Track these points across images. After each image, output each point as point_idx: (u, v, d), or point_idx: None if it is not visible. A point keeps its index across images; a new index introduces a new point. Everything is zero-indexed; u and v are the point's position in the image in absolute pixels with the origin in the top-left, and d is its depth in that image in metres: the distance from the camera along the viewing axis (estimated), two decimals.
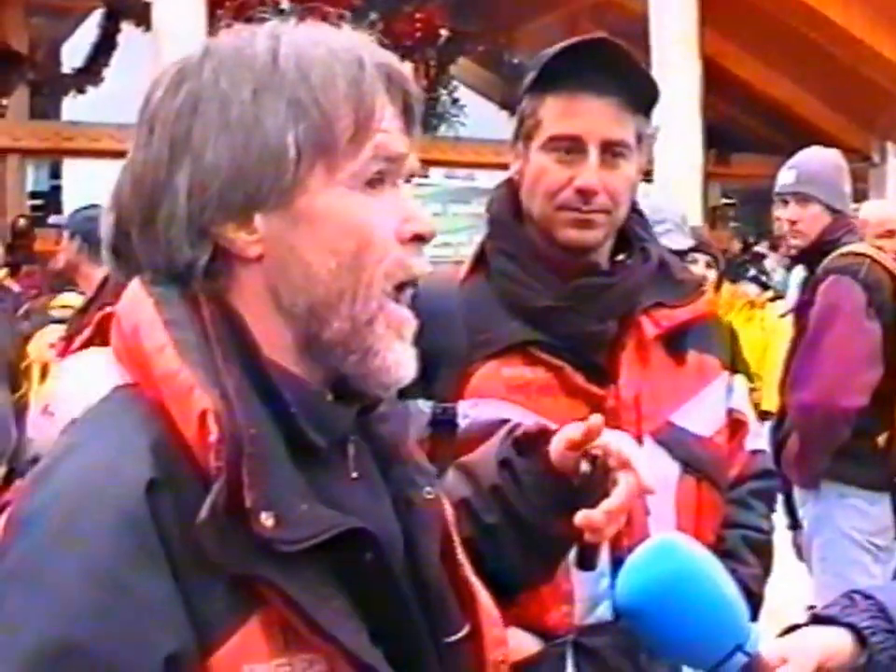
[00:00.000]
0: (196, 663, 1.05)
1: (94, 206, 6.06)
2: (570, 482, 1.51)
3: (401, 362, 1.23)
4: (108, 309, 1.28)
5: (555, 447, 1.52)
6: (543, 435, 1.56)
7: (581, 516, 1.43)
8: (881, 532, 4.13)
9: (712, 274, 5.47)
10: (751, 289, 10.91)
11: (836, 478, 4.12)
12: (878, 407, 3.97)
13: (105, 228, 1.24)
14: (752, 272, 11.70)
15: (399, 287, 1.22)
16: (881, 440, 4.03)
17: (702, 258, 5.41)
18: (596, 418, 1.47)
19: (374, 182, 1.20)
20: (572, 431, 1.49)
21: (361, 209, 1.19)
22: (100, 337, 1.30)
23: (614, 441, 1.48)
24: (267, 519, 1.07)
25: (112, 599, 1.03)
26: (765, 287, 10.90)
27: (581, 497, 1.47)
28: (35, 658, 1.01)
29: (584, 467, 1.48)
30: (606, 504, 1.43)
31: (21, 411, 4.06)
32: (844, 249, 4.10)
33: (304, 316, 1.19)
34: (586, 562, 1.53)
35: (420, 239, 1.23)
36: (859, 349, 3.96)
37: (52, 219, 9.38)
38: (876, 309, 3.98)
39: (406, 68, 1.25)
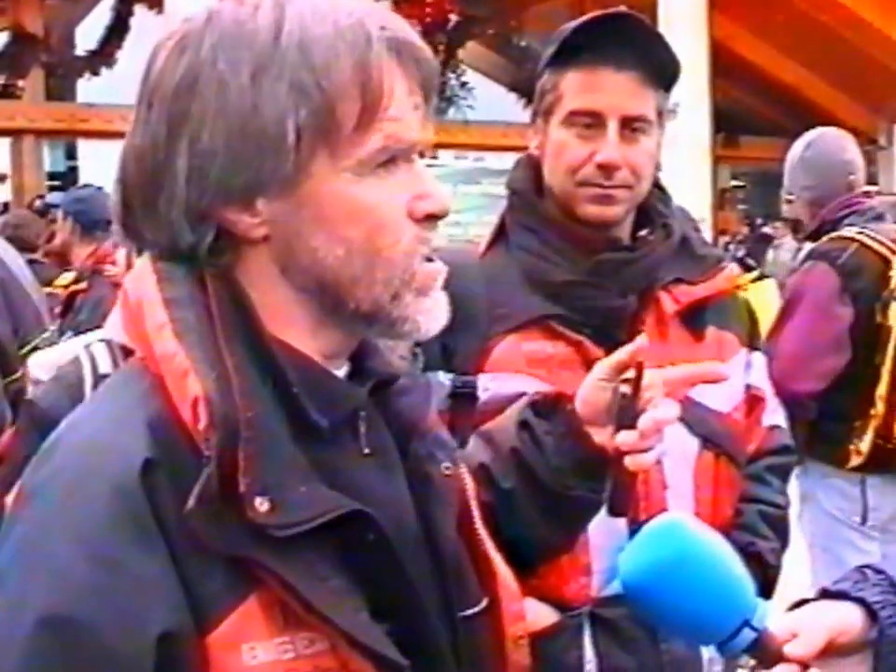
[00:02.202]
0: (193, 641, 1.06)
1: (86, 186, 6.11)
2: (591, 441, 1.52)
3: (432, 317, 1.21)
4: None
5: (590, 380, 1.53)
6: (561, 399, 1.56)
7: (619, 436, 1.47)
8: (867, 512, 4.13)
9: None
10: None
11: (819, 458, 4.13)
12: (854, 392, 3.98)
13: (113, 202, 1.22)
14: (739, 253, 11.68)
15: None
16: (858, 424, 4.03)
17: None
18: (641, 339, 1.52)
19: (385, 164, 1.16)
20: (618, 356, 1.52)
21: (369, 194, 1.15)
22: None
23: (655, 376, 1.51)
24: (261, 504, 1.06)
25: (107, 576, 1.04)
26: (749, 268, 10.87)
27: (603, 457, 1.50)
28: (37, 635, 1.02)
29: (623, 388, 1.50)
30: (641, 422, 1.47)
31: (14, 394, 4.06)
32: (836, 233, 4.10)
33: (317, 296, 1.18)
34: (618, 507, 1.54)
35: (433, 217, 1.20)
36: (820, 335, 3.95)
37: (49, 198, 9.35)
38: (853, 295, 3.96)
39: (417, 36, 1.20)
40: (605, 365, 1.53)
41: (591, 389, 1.53)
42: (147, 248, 1.21)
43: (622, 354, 1.52)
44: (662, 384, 1.51)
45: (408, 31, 1.19)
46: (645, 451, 1.49)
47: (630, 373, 1.51)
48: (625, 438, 1.47)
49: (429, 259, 1.21)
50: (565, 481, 1.54)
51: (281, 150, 1.12)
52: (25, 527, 1.09)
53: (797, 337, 3.98)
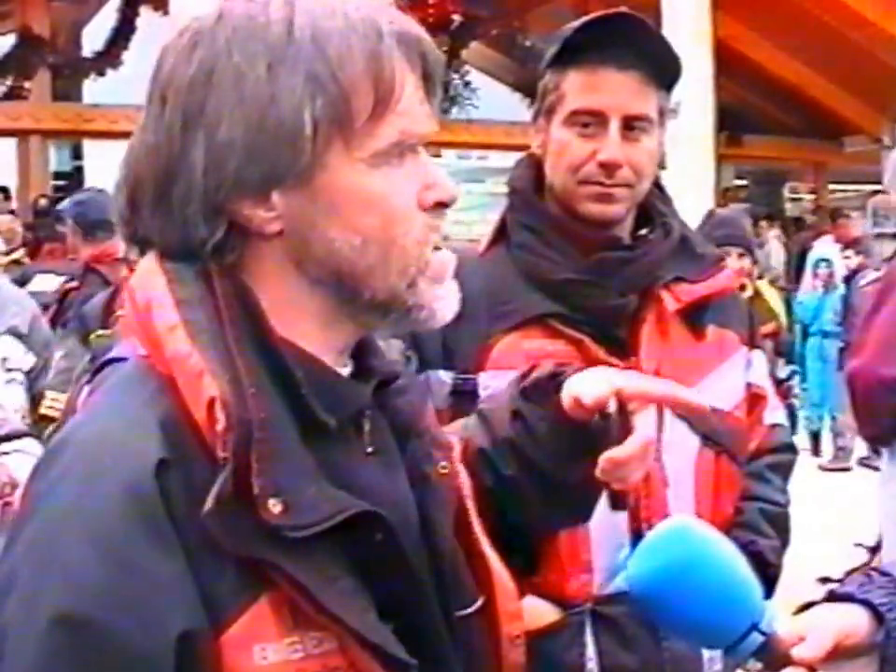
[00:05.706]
0: (209, 642, 1.06)
1: (85, 190, 6.25)
2: (586, 425, 1.45)
3: (445, 305, 1.23)
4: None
5: (566, 402, 1.45)
6: (555, 379, 1.50)
7: (599, 467, 1.39)
8: None
9: (747, 263, 5.45)
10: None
11: None
12: None
13: (118, 201, 1.22)
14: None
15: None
16: None
17: (734, 250, 5.39)
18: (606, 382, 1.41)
19: (396, 155, 1.18)
20: (581, 391, 1.42)
21: (382, 184, 1.17)
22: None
23: (630, 384, 1.41)
24: (275, 506, 1.07)
25: (122, 576, 1.04)
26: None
27: (600, 438, 1.42)
28: (52, 635, 1.02)
29: (597, 418, 1.44)
30: (614, 452, 1.38)
31: None
32: None
33: (334, 286, 1.18)
34: (619, 501, 1.52)
35: (442, 205, 1.22)
36: None
37: (59, 206, 9.50)
38: None
39: (423, 31, 1.22)
40: (570, 395, 1.44)
41: (568, 409, 1.45)
42: (153, 248, 1.20)
43: (584, 392, 1.42)
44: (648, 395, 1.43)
45: (414, 26, 1.20)
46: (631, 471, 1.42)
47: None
48: (598, 471, 1.40)
49: (437, 248, 1.23)
50: (563, 464, 1.49)
51: (298, 141, 1.12)
52: (36, 527, 1.09)
53: (886, 323, 3.97)
